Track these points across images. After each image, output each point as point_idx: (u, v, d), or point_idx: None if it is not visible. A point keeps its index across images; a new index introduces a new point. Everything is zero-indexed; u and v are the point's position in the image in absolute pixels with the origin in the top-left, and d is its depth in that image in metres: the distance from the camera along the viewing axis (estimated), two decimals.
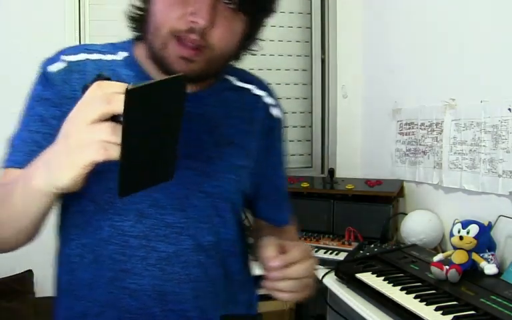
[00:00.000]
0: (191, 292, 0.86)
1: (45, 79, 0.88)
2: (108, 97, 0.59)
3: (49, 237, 2.61)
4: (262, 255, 0.79)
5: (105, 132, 0.59)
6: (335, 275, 1.69)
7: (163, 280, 0.84)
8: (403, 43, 2.30)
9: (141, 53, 0.88)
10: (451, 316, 1.22)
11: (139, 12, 0.85)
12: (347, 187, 2.25)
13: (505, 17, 1.67)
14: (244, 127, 0.93)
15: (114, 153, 0.59)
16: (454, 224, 1.62)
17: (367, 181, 2.32)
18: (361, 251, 1.88)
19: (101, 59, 0.89)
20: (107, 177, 0.76)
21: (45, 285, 2.35)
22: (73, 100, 0.77)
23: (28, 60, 2.31)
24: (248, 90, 0.97)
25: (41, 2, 2.33)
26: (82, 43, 2.40)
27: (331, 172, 2.42)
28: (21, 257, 2.28)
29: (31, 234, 0.79)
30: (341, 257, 1.89)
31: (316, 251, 2.00)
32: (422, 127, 2.13)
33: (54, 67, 0.87)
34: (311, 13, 2.73)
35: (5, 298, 2.17)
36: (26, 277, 2.30)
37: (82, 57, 0.88)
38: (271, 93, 1.01)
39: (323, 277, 1.75)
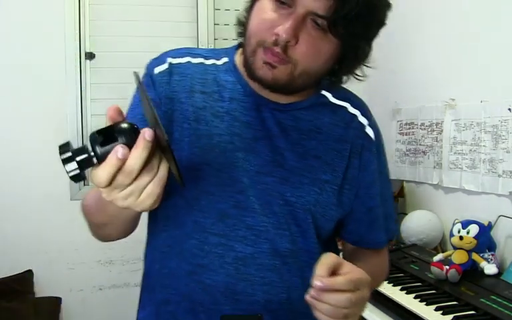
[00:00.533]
0: (263, 295, 0.87)
1: (150, 79, 0.92)
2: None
3: (49, 237, 2.60)
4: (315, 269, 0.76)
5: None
6: None
7: (237, 279, 0.86)
8: (403, 43, 2.29)
9: (240, 60, 0.92)
10: (451, 316, 1.22)
11: (244, 17, 0.90)
12: None
13: (504, 17, 1.67)
14: (334, 145, 0.93)
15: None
16: (454, 224, 1.62)
17: None
18: None
19: (202, 63, 0.94)
20: (197, 175, 0.79)
21: (44, 285, 2.35)
22: (170, 100, 0.88)
23: (28, 60, 2.32)
24: (343, 108, 0.97)
25: (41, 2, 2.33)
26: (82, 43, 2.40)
27: None
28: (21, 257, 2.30)
29: (128, 230, 0.88)
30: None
31: None
32: (422, 127, 2.13)
33: (158, 69, 0.92)
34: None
35: (5, 298, 2.17)
36: (26, 277, 2.30)
37: (185, 59, 0.93)
38: (366, 113, 1.00)
39: None
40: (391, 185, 1.04)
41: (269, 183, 0.87)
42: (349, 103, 0.98)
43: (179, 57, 0.93)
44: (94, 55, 2.42)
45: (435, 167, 2.04)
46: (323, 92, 0.96)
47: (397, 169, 2.33)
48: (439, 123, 2.00)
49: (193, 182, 0.85)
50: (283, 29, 0.78)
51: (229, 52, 0.96)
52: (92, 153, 0.60)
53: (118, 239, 0.91)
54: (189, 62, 0.93)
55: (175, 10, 2.43)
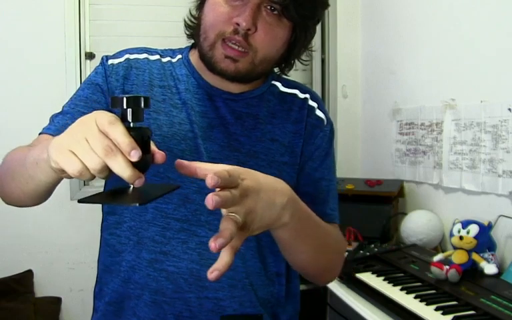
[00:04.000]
0: (227, 280, 0.88)
1: (102, 68, 0.95)
2: (114, 151, 0.59)
3: (49, 237, 2.60)
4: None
5: (117, 162, 0.59)
6: None
7: (201, 265, 0.87)
8: (403, 43, 2.29)
9: (194, 56, 0.97)
10: (451, 316, 1.22)
11: (193, 20, 0.95)
12: (347, 187, 2.25)
13: (505, 18, 1.67)
14: (289, 127, 0.97)
15: (104, 174, 0.60)
16: (454, 224, 1.62)
17: (367, 181, 2.31)
18: (361, 251, 1.88)
19: (159, 59, 0.97)
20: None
21: (44, 285, 2.35)
22: (128, 93, 0.89)
23: (28, 60, 2.32)
24: (294, 94, 1.02)
25: (41, 2, 2.33)
26: (82, 43, 2.41)
27: None
28: (21, 257, 2.30)
29: (37, 198, 0.82)
30: None
31: None
32: (422, 127, 2.13)
33: (113, 60, 0.95)
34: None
35: (5, 298, 2.17)
36: (26, 277, 2.30)
37: (142, 56, 0.97)
38: (315, 98, 1.04)
39: None
40: (335, 170, 1.06)
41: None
42: (298, 89, 1.03)
43: (137, 53, 0.96)
44: (94, 55, 2.43)
45: (435, 167, 2.04)
46: (273, 82, 1.01)
47: (397, 169, 2.33)
48: (438, 123, 2.00)
49: (155, 168, 0.78)
50: (243, 18, 0.82)
51: (183, 50, 1.00)
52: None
53: (20, 202, 0.85)
54: (146, 58, 0.96)
55: (174, 10, 2.43)
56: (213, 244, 0.60)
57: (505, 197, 1.65)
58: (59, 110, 0.94)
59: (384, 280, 1.51)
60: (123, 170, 0.58)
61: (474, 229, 1.55)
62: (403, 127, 2.27)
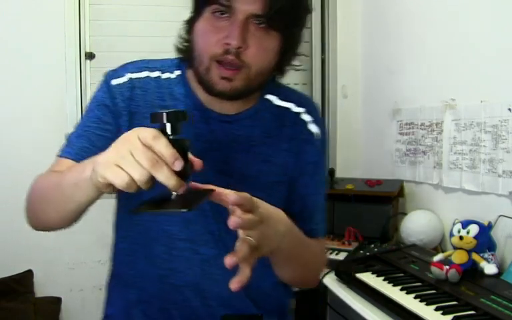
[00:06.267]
0: (227, 291, 0.92)
1: (107, 88, 0.98)
2: (159, 162, 0.65)
3: (48, 237, 2.60)
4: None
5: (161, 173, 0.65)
6: (335, 274, 1.70)
7: (203, 278, 0.96)
8: (403, 43, 2.29)
9: (191, 74, 0.98)
10: (451, 316, 1.22)
11: (185, 43, 0.97)
12: (347, 186, 2.25)
13: (505, 17, 1.67)
14: (282, 145, 1.00)
15: (148, 185, 0.66)
16: (454, 224, 1.62)
17: (367, 181, 2.31)
18: (361, 251, 1.88)
19: (159, 77, 0.99)
20: (158, 183, 0.81)
21: (44, 285, 2.35)
22: (133, 114, 0.94)
23: (28, 59, 2.32)
24: (288, 109, 1.03)
25: (41, 2, 2.33)
26: (82, 43, 2.40)
27: (331, 172, 2.42)
28: (21, 257, 2.30)
29: (72, 219, 0.87)
30: (341, 257, 1.89)
31: None
32: (422, 127, 2.13)
33: (117, 81, 0.98)
34: (310, 13, 2.73)
35: (5, 298, 2.17)
36: (26, 277, 2.30)
37: (144, 74, 0.99)
38: (311, 111, 1.05)
39: (323, 277, 1.75)
40: (324, 185, 1.09)
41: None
42: (292, 103, 1.04)
43: (138, 72, 0.99)
44: (94, 55, 2.43)
45: (434, 167, 2.04)
46: (267, 96, 1.02)
47: (397, 169, 2.33)
48: (438, 123, 2.00)
49: (158, 190, 0.89)
50: (232, 37, 0.84)
51: (181, 66, 1.01)
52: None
53: (56, 225, 0.90)
54: (147, 76, 0.99)
55: (174, 10, 2.43)
56: (228, 260, 0.69)
57: (505, 197, 1.65)
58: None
59: (384, 280, 1.51)
60: (168, 179, 0.65)
61: (474, 229, 1.55)
62: (403, 127, 2.27)
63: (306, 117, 1.04)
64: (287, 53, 0.94)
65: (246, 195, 0.71)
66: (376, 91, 2.58)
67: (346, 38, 2.70)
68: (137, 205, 0.71)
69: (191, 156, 0.71)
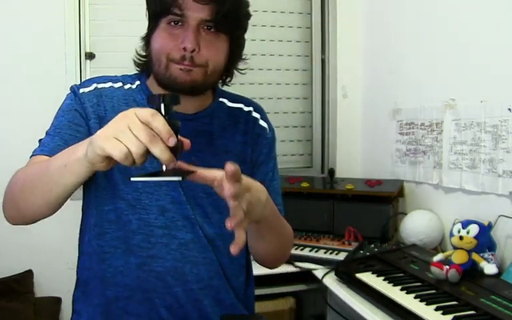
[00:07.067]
0: (206, 273, 1.05)
1: (74, 96, 1.08)
2: (156, 138, 0.71)
3: (48, 237, 2.60)
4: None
5: (159, 148, 0.71)
6: (335, 274, 1.70)
7: (183, 262, 1.03)
8: (403, 43, 2.30)
9: (151, 82, 1.10)
10: (451, 316, 1.22)
11: (142, 58, 1.11)
12: (347, 186, 2.25)
13: (505, 17, 1.67)
14: (239, 138, 1.13)
15: (143, 159, 0.72)
16: (454, 224, 1.62)
17: (367, 181, 2.31)
18: (361, 251, 1.88)
19: (122, 87, 1.11)
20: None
21: (44, 285, 2.35)
22: (101, 118, 1.03)
23: (28, 59, 2.32)
24: (240, 108, 1.18)
25: (41, 2, 2.33)
26: (82, 43, 2.41)
27: (331, 172, 2.42)
28: (21, 257, 2.30)
29: (57, 205, 0.91)
30: (341, 256, 1.89)
31: (316, 251, 2.00)
32: (422, 127, 2.13)
33: (84, 89, 1.08)
34: (311, 13, 2.73)
35: (5, 298, 2.17)
36: (26, 277, 2.30)
37: (108, 84, 1.10)
38: (258, 109, 1.20)
39: (323, 277, 1.75)
40: (278, 175, 1.21)
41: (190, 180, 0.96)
42: (242, 103, 1.19)
43: (103, 83, 1.10)
44: (94, 55, 2.42)
45: (434, 167, 2.04)
46: (221, 99, 1.16)
47: (397, 169, 2.33)
48: (438, 123, 2.00)
49: (133, 185, 1.01)
50: (188, 41, 0.97)
51: (140, 77, 1.13)
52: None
53: (39, 213, 0.95)
54: (111, 86, 1.10)
55: None
56: (228, 223, 0.76)
57: (505, 197, 1.65)
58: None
59: (384, 280, 1.51)
60: (162, 153, 0.71)
61: (474, 229, 1.55)
62: (403, 127, 2.28)
63: (256, 115, 1.18)
64: (234, 55, 1.08)
65: (236, 165, 0.76)
66: (376, 91, 2.58)
67: (346, 38, 2.70)
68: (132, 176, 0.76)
69: (179, 136, 0.76)
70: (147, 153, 0.71)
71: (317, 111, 2.76)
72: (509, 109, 1.62)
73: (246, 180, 0.82)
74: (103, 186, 1.04)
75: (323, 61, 2.74)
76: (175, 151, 0.73)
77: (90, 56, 2.42)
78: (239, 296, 1.12)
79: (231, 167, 0.75)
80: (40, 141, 1.04)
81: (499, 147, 1.67)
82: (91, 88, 1.08)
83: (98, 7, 2.43)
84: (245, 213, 0.79)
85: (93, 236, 1.05)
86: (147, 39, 1.07)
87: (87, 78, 2.31)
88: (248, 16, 1.08)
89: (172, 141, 0.71)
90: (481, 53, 1.77)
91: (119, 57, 2.41)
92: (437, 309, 1.26)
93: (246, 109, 1.18)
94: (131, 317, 1.02)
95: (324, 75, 2.74)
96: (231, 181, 0.76)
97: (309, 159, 2.79)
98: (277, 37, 2.68)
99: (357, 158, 2.73)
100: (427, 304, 1.30)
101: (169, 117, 0.74)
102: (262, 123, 1.18)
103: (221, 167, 1.03)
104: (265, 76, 2.67)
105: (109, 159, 0.73)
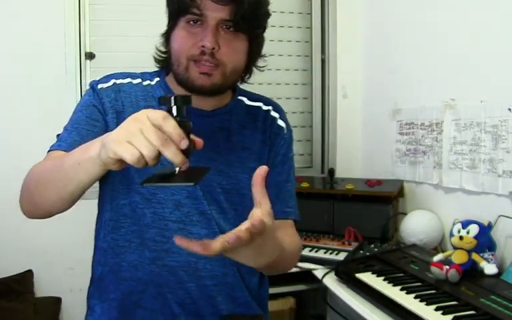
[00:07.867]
0: (220, 269, 1.04)
1: (93, 92, 1.07)
2: (168, 141, 0.71)
3: (48, 238, 2.60)
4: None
5: (170, 151, 0.71)
6: (335, 275, 1.70)
7: (197, 257, 1.00)
8: (403, 43, 2.30)
9: (170, 79, 1.10)
10: (451, 316, 1.22)
11: (162, 55, 1.10)
12: (347, 186, 2.25)
13: (504, 17, 1.67)
14: (257, 136, 1.13)
15: (155, 161, 0.72)
16: (454, 224, 1.62)
17: (367, 181, 2.32)
18: (361, 251, 1.88)
19: (141, 83, 1.11)
20: (151, 171, 0.87)
21: (44, 285, 2.35)
22: (119, 113, 1.04)
23: (28, 59, 2.32)
24: (258, 107, 1.17)
25: (41, 2, 2.33)
26: (82, 43, 2.41)
27: (331, 172, 2.42)
28: (21, 257, 2.30)
29: (71, 200, 0.91)
30: (341, 256, 1.89)
31: (316, 251, 2.00)
32: (422, 126, 2.13)
33: (103, 85, 1.08)
34: (311, 13, 2.73)
35: (5, 298, 2.17)
36: (26, 277, 2.30)
37: (126, 80, 1.10)
38: (276, 109, 1.19)
39: (323, 277, 1.75)
40: (294, 176, 1.21)
41: (209, 176, 0.93)
42: (261, 102, 1.18)
43: (121, 79, 1.10)
44: (94, 55, 2.42)
45: (434, 167, 2.04)
46: (239, 97, 1.16)
47: (397, 169, 2.33)
48: (438, 123, 2.00)
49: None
50: (207, 40, 0.96)
51: (160, 74, 1.13)
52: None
53: (54, 208, 0.94)
54: (130, 82, 1.10)
55: None
56: (231, 234, 0.71)
57: (505, 197, 1.65)
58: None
59: (384, 280, 1.51)
60: (175, 156, 0.71)
61: (474, 229, 1.55)
62: (403, 127, 2.27)
63: (274, 114, 1.18)
64: (253, 53, 1.07)
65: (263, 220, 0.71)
66: (376, 91, 2.58)
67: (346, 38, 2.70)
68: (144, 179, 0.75)
69: (192, 136, 0.76)
70: (160, 155, 0.72)
71: (316, 111, 2.76)
72: (509, 109, 1.62)
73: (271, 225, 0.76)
74: (118, 180, 1.04)
75: (322, 61, 2.74)
76: (187, 152, 0.73)
77: (90, 56, 2.42)
78: (252, 294, 1.12)
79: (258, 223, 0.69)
80: (58, 135, 1.05)
81: (498, 147, 1.67)
82: (110, 83, 1.08)
83: (98, 6, 2.43)
84: (248, 240, 0.72)
85: (108, 231, 1.06)
86: (167, 36, 1.07)
87: (90, 78, 2.31)
88: (267, 15, 1.07)
89: (184, 144, 0.71)
90: (481, 53, 1.77)
91: (119, 57, 2.41)
92: (437, 309, 1.26)
93: (265, 107, 1.17)
94: (145, 312, 1.02)
95: (324, 75, 2.74)
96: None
97: (309, 159, 2.79)
98: (277, 37, 2.68)
99: (357, 158, 2.73)
100: (427, 304, 1.30)
101: (181, 118, 0.74)
102: (280, 122, 1.18)
103: (238, 162, 1.07)
104: (264, 76, 2.66)
105: (121, 161, 0.74)
